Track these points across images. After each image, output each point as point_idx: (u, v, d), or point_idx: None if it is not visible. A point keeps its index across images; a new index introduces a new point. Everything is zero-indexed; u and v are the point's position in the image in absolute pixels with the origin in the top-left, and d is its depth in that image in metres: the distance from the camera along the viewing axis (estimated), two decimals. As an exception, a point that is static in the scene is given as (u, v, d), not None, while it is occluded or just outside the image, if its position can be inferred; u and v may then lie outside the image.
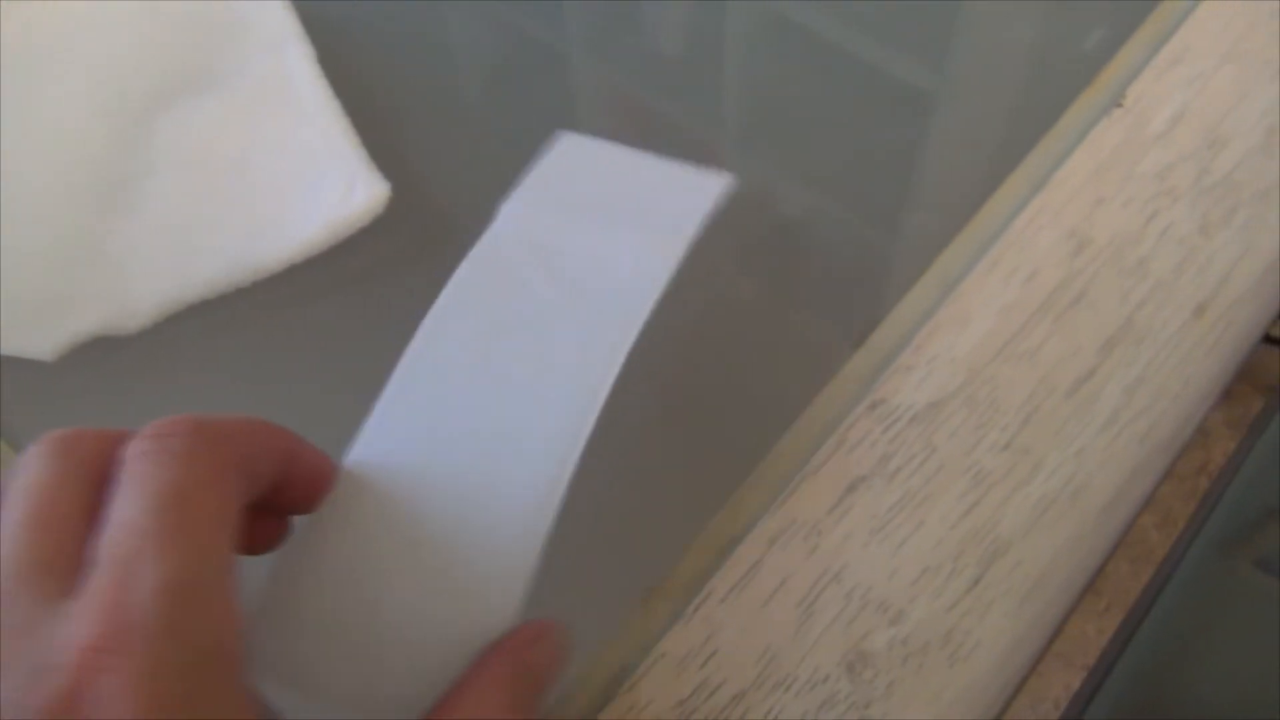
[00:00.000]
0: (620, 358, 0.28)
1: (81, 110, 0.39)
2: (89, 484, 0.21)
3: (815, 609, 0.31)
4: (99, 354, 0.36)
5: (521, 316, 0.30)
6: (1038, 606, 0.31)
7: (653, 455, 0.34)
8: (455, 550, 0.25)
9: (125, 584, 0.18)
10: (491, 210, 0.40)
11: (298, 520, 0.26)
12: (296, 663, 0.24)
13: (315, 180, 0.38)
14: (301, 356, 0.37)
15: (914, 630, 0.31)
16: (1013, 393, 0.34)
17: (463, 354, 0.29)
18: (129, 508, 0.20)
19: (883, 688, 0.30)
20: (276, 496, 0.24)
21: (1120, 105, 0.40)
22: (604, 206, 0.33)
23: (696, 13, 0.46)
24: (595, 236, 0.32)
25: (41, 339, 0.35)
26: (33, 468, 0.21)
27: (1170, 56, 0.41)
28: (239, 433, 0.22)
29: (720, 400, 0.36)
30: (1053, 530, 0.32)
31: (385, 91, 0.42)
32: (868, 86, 0.43)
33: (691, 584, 0.31)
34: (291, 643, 0.24)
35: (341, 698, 0.24)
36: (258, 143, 0.39)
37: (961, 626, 0.31)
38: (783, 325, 0.37)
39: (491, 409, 0.28)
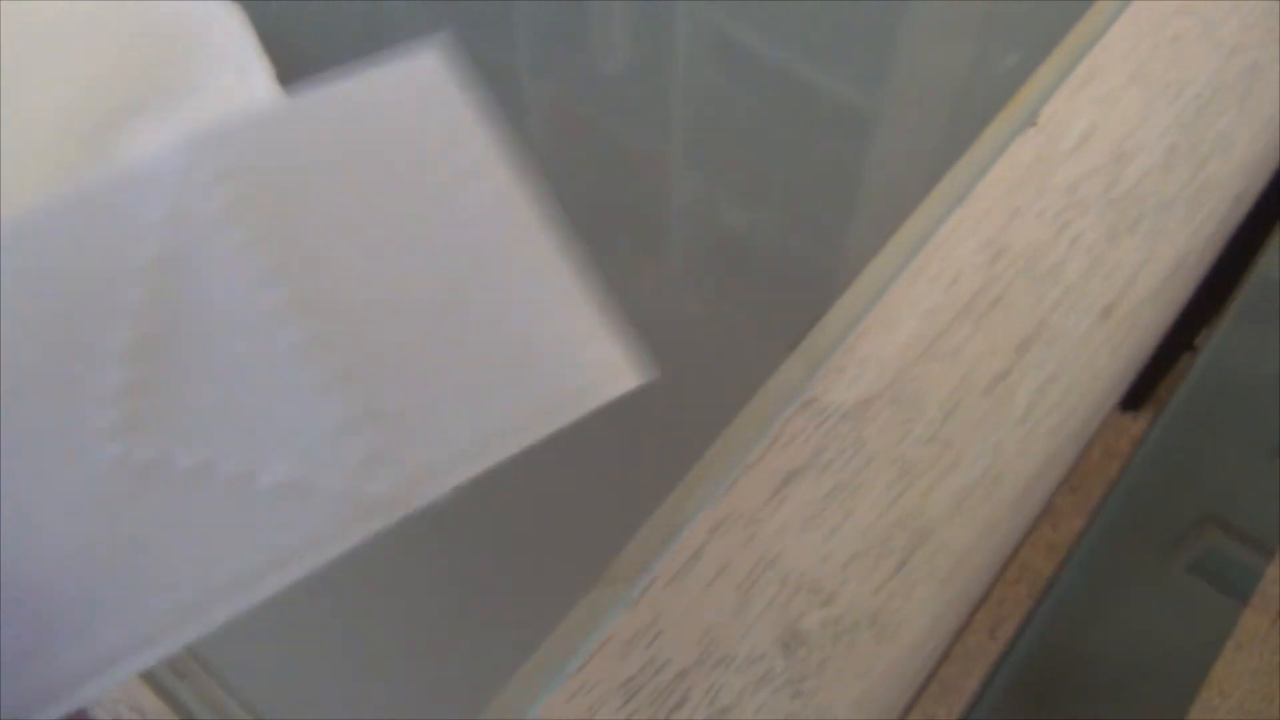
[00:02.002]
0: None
1: (39, 126, 0.40)
2: None
3: (753, 592, 0.33)
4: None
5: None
6: (958, 587, 0.34)
7: (600, 449, 0.36)
8: None
9: None
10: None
11: None
12: None
13: (275, 192, 0.39)
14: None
15: (844, 611, 0.33)
16: (936, 390, 0.37)
17: None
18: None
19: (815, 664, 0.32)
20: None
21: (1034, 124, 0.42)
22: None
23: (640, 31, 0.48)
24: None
25: None
26: None
27: (1080, 79, 0.44)
28: None
29: (664, 398, 0.38)
30: (972, 517, 0.35)
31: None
32: (804, 105, 0.45)
33: (637, 570, 0.33)
34: None
35: None
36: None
37: (888, 607, 0.33)
38: (723, 329, 0.40)
39: None
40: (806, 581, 0.33)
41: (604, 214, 0.43)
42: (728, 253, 0.42)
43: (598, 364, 0.22)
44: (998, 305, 0.38)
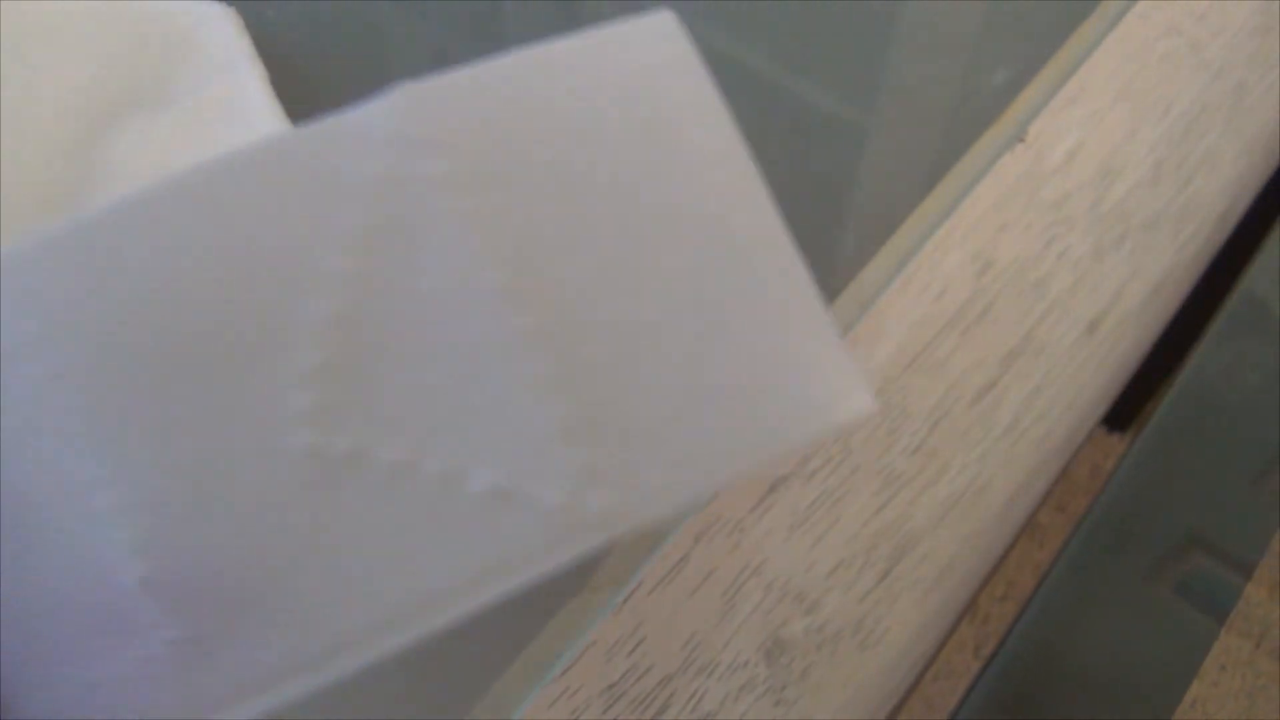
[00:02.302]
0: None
1: (30, 123, 0.40)
2: None
3: (737, 599, 0.33)
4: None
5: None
6: (942, 596, 0.34)
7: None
8: None
9: None
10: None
11: None
12: None
13: (266, 195, 0.39)
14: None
15: (828, 619, 0.33)
16: (923, 400, 0.37)
17: None
18: None
19: (798, 672, 0.32)
20: None
21: (1022, 140, 0.43)
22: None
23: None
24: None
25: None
26: None
27: (1068, 96, 0.44)
28: None
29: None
30: (957, 527, 0.35)
31: (331, 109, 0.44)
32: (791, 116, 0.46)
33: (622, 576, 0.33)
34: None
35: None
36: (209, 158, 0.40)
37: (872, 615, 0.33)
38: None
39: None
40: (791, 589, 0.33)
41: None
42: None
43: (833, 387, 0.18)
44: (985, 317, 0.39)
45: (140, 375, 0.15)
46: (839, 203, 0.44)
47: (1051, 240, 0.40)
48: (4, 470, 0.15)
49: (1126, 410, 0.95)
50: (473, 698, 0.31)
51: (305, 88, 0.44)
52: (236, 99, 0.42)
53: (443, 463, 0.16)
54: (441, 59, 0.48)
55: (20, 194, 0.39)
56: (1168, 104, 0.44)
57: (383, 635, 0.16)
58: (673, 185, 0.18)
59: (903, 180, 0.44)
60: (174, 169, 0.42)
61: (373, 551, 0.16)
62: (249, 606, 0.15)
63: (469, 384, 0.16)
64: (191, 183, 0.16)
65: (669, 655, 0.32)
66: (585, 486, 0.16)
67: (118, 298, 0.15)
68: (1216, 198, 0.42)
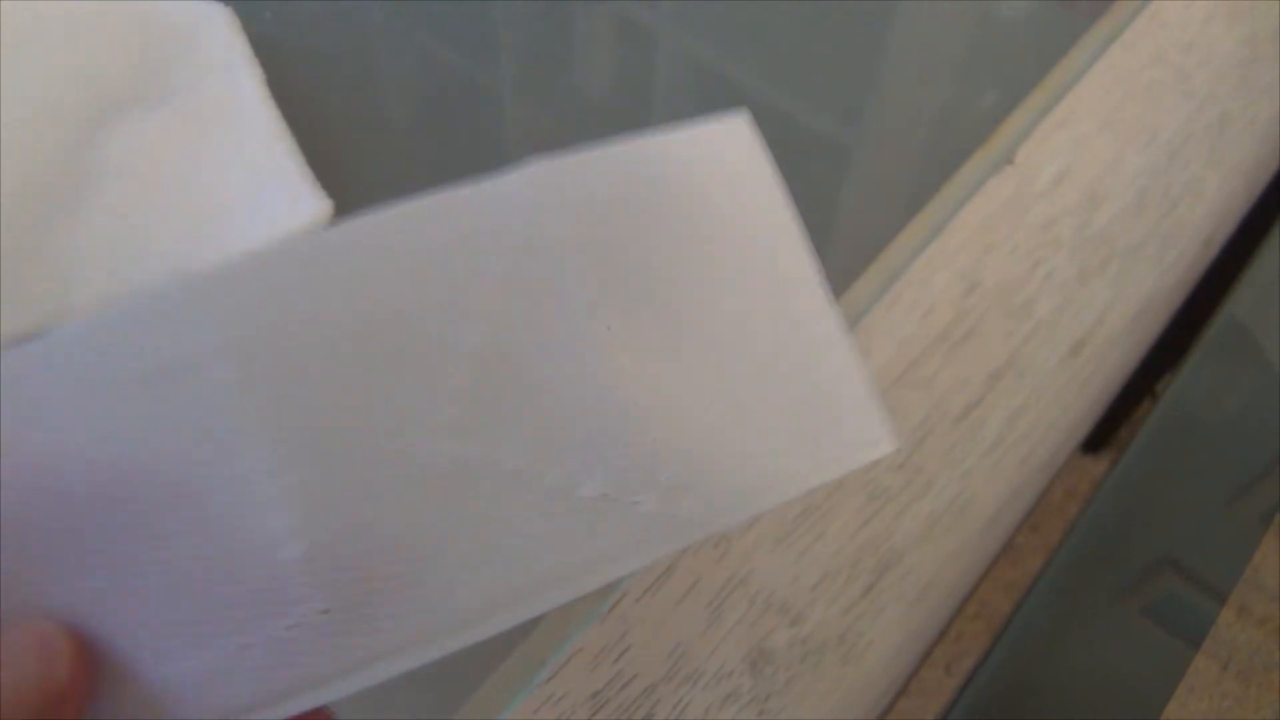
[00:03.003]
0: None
1: (26, 118, 0.40)
2: None
3: (723, 610, 0.33)
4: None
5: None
6: (925, 611, 0.34)
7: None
8: None
9: None
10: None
11: None
12: None
13: (260, 195, 0.40)
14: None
15: (812, 631, 0.33)
16: (909, 417, 0.37)
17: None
18: None
19: (782, 683, 0.32)
20: None
21: (1011, 163, 0.43)
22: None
23: (623, 56, 0.49)
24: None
25: (-19, 336, 0.36)
26: None
27: (1056, 121, 0.45)
28: None
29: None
30: (940, 542, 0.35)
31: (330, 115, 0.44)
32: (783, 135, 0.46)
33: (608, 584, 0.33)
34: None
35: None
36: (205, 158, 0.40)
37: (855, 628, 0.34)
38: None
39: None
40: (775, 601, 0.34)
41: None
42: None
43: (866, 432, 0.23)
44: (970, 337, 0.39)
45: (313, 385, 0.18)
46: (829, 221, 0.44)
47: (1038, 262, 0.41)
48: (182, 456, 0.17)
49: (1102, 432, 0.96)
50: (457, 702, 0.31)
51: (301, 88, 0.44)
52: (231, 98, 0.42)
53: (559, 474, 0.19)
54: (433, 62, 0.48)
55: (14, 190, 0.39)
56: (1153, 132, 0.45)
57: (498, 615, 0.19)
58: (742, 262, 0.23)
59: (892, 199, 0.44)
60: (166, 167, 0.41)
61: (495, 542, 0.19)
62: (390, 585, 0.18)
63: (581, 409, 0.19)
64: (364, 228, 0.20)
65: (654, 664, 0.32)
66: (675, 496, 0.20)
67: (300, 321, 0.18)
68: (1199, 225, 0.43)
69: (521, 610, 0.19)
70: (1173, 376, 0.44)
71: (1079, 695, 0.37)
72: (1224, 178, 0.44)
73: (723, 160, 0.24)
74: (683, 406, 0.20)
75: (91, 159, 0.40)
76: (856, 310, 0.40)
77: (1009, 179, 0.43)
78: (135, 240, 0.38)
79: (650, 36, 0.49)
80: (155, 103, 0.42)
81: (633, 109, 0.47)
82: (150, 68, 0.43)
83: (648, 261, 0.21)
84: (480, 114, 0.47)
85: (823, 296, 0.24)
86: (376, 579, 0.18)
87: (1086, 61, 0.47)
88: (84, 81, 0.42)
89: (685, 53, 0.49)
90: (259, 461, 0.18)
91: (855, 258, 0.41)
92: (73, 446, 0.17)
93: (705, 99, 0.47)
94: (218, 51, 0.43)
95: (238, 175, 0.40)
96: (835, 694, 0.32)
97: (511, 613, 0.19)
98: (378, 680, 0.18)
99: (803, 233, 0.25)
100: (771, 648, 0.33)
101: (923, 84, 0.48)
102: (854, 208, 0.44)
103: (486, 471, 0.19)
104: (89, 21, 0.42)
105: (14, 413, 0.18)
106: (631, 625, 0.33)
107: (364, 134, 0.44)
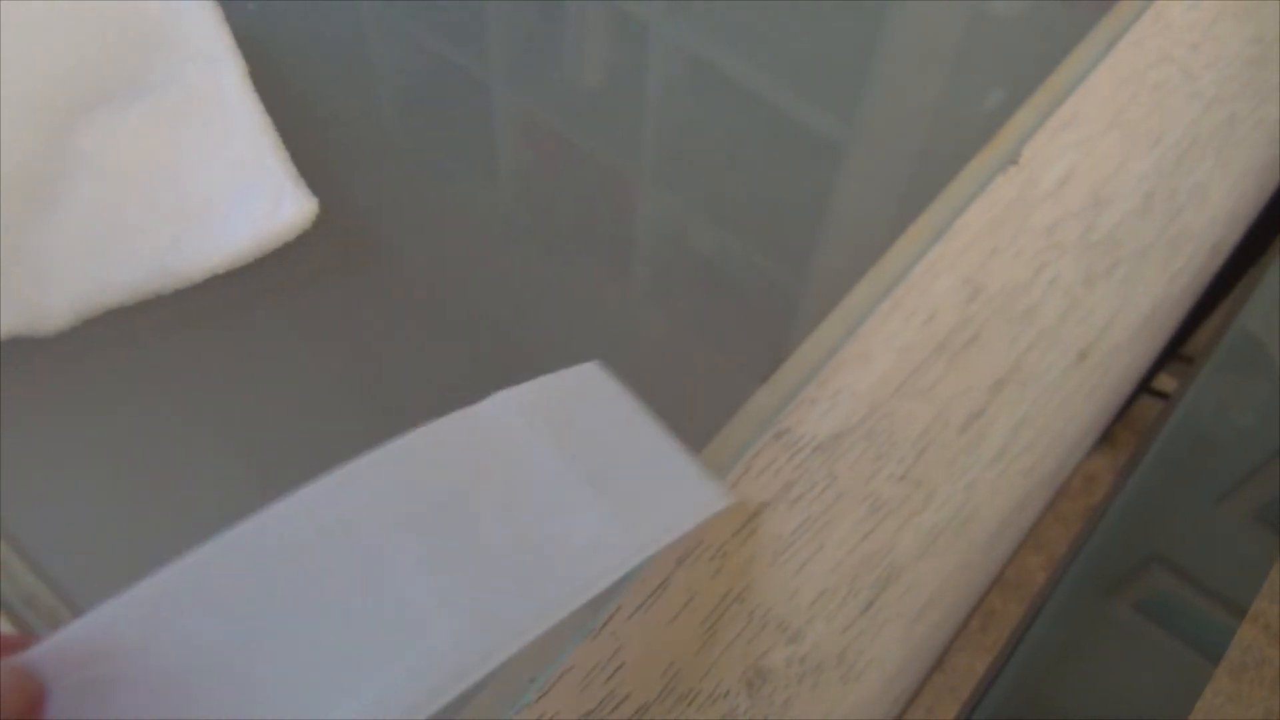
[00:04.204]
0: (515, 646, 0.26)
1: (4, 115, 0.39)
2: None
3: (719, 627, 0.32)
4: (13, 355, 0.35)
5: (449, 526, 0.27)
6: (926, 629, 0.33)
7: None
8: None
9: None
10: (413, 227, 0.41)
11: None
12: None
13: (243, 193, 0.38)
14: (220, 368, 0.37)
15: (810, 649, 0.32)
16: (910, 427, 0.36)
17: (355, 533, 0.26)
18: None
19: (779, 704, 0.31)
20: None
21: (1015, 164, 0.42)
22: (593, 461, 0.31)
23: (618, 50, 0.47)
24: (568, 489, 0.30)
25: (-47, 338, 0.35)
26: None
27: (1061, 121, 0.44)
28: None
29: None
30: (942, 558, 0.34)
31: (315, 111, 0.43)
32: (783, 134, 0.45)
33: (600, 600, 0.32)
34: None
35: None
36: (186, 153, 0.39)
37: (855, 647, 0.33)
38: (695, 357, 0.39)
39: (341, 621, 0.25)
40: (773, 618, 0.33)
41: (579, 238, 0.42)
42: (703, 281, 0.42)
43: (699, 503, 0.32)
44: (973, 344, 0.38)
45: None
46: (829, 223, 0.43)
47: (1042, 267, 0.40)
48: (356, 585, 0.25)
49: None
50: (444, 723, 0.30)
51: (285, 81, 0.42)
52: (213, 92, 0.41)
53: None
54: (422, 55, 0.47)
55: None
56: (1159, 133, 0.44)
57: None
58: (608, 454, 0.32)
59: (893, 201, 0.43)
60: (146, 163, 0.41)
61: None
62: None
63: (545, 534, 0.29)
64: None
65: (647, 683, 0.31)
66: (590, 559, 0.28)
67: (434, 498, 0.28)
68: (1207, 229, 0.42)
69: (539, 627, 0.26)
70: (1179, 381, 0.43)
71: (1096, 712, 0.36)
72: (1232, 181, 0.43)
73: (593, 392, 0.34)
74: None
75: (68, 154, 0.39)
76: (856, 316, 0.38)
77: (1013, 180, 0.42)
78: (113, 239, 0.37)
79: (644, 30, 0.48)
80: (134, 96, 0.40)
81: (626, 100, 0.46)
82: (129, 60, 0.41)
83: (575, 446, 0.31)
84: (470, 108, 0.45)
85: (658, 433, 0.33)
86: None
87: (1092, 61, 0.46)
88: (61, 74, 0.40)
89: (680, 47, 0.48)
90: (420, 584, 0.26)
91: (855, 262, 0.40)
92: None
93: (701, 92, 0.46)
94: (199, 44, 0.41)
95: (219, 172, 0.39)
96: (835, 715, 0.31)
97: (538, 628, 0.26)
98: None
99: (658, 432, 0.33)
100: (769, 666, 0.32)
101: (925, 83, 0.47)
102: (854, 210, 0.43)
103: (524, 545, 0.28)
104: (67, 13, 0.41)
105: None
106: (624, 643, 0.32)
107: (350, 130, 0.43)
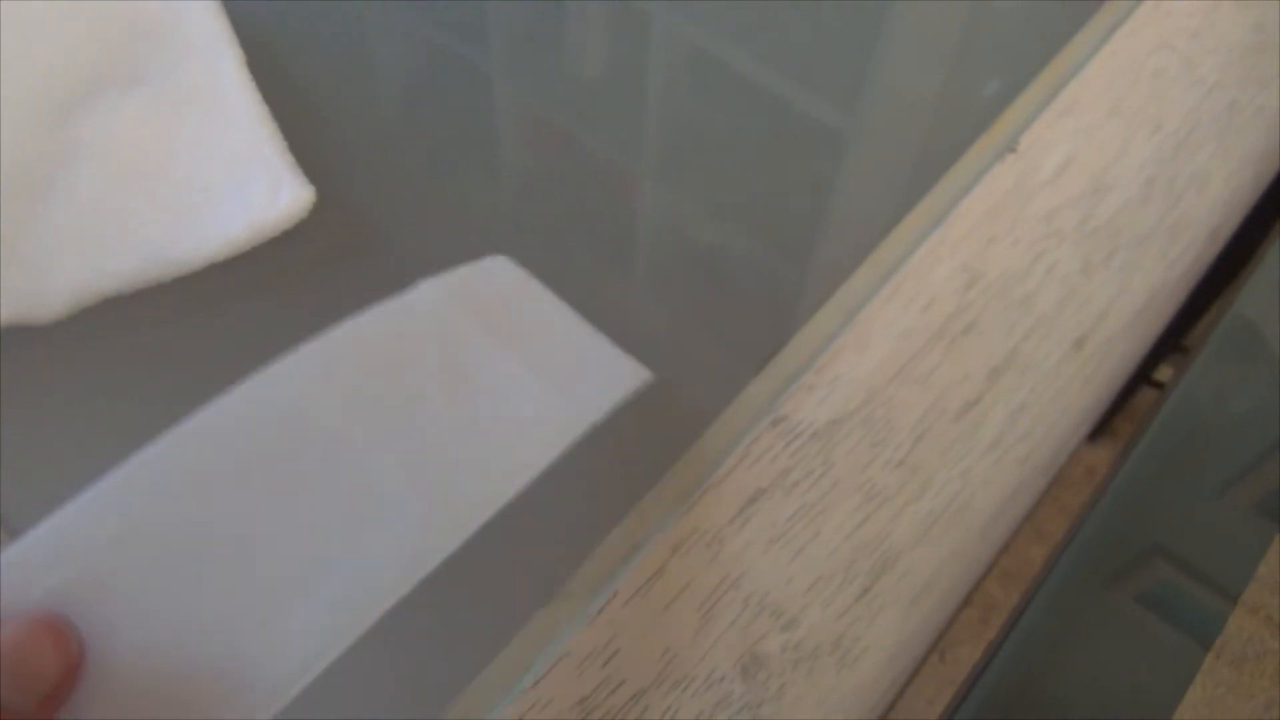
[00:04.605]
0: (480, 518, 0.26)
1: (3, 103, 0.39)
2: None
3: (714, 613, 0.32)
4: (10, 344, 0.35)
5: (396, 409, 0.28)
6: (922, 615, 0.33)
7: (565, 461, 0.35)
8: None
9: None
10: (411, 218, 0.41)
11: None
12: None
13: (240, 181, 0.38)
14: (218, 357, 0.37)
15: (806, 635, 0.32)
16: (907, 414, 0.36)
17: (307, 420, 0.26)
18: None
19: (774, 689, 0.31)
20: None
21: (1014, 151, 0.42)
22: (521, 342, 0.31)
23: (617, 40, 0.47)
24: (505, 367, 0.30)
25: (-49, 326, 0.35)
26: None
27: (1060, 108, 0.43)
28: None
29: (631, 411, 0.37)
30: (938, 544, 0.34)
31: (313, 100, 0.43)
32: (781, 122, 0.45)
33: (596, 586, 0.32)
34: None
35: None
36: (183, 142, 0.39)
37: (850, 633, 0.33)
38: (694, 343, 0.39)
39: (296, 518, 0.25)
40: (769, 604, 0.33)
41: (576, 225, 0.42)
42: (701, 268, 0.42)
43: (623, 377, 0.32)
44: (970, 331, 0.38)
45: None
46: (826, 210, 0.43)
47: (1040, 254, 0.40)
48: None
49: (1097, 420, 0.95)
50: (440, 707, 0.31)
51: (283, 70, 0.42)
52: (211, 81, 0.41)
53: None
54: (422, 45, 0.47)
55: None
56: (1159, 121, 0.43)
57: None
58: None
59: (892, 188, 0.43)
60: (143, 152, 0.41)
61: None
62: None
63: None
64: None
65: (643, 669, 0.31)
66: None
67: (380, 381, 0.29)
68: (1207, 217, 0.41)
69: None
70: (1176, 369, 0.43)
71: (1088, 697, 0.36)
72: (1232, 169, 0.43)
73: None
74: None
75: (66, 143, 0.39)
76: (853, 303, 0.38)
77: (1011, 168, 0.42)
78: (109, 228, 0.37)
79: (645, 20, 0.48)
80: (132, 86, 0.40)
81: (631, 97, 0.46)
82: (128, 50, 0.41)
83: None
84: (470, 99, 0.45)
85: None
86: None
87: (1091, 47, 0.45)
88: (59, 64, 0.40)
89: (680, 37, 0.47)
90: None
91: (853, 249, 0.40)
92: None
93: (701, 82, 0.46)
94: (197, 32, 0.41)
95: (217, 161, 0.39)
96: (830, 700, 0.32)
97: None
98: None
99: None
100: (764, 652, 0.32)
101: (923, 70, 0.47)
102: (852, 197, 0.43)
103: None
104: (66, 3, 0.41)
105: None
106: (620, 629, 0.32)
107: (349, 119, 0.43)
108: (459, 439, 0.28)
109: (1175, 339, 0.79)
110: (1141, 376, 0.84)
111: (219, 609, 0.23)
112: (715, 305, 0.40)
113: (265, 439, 0.26)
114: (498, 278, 0.34)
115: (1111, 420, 0.98)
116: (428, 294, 0.31)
